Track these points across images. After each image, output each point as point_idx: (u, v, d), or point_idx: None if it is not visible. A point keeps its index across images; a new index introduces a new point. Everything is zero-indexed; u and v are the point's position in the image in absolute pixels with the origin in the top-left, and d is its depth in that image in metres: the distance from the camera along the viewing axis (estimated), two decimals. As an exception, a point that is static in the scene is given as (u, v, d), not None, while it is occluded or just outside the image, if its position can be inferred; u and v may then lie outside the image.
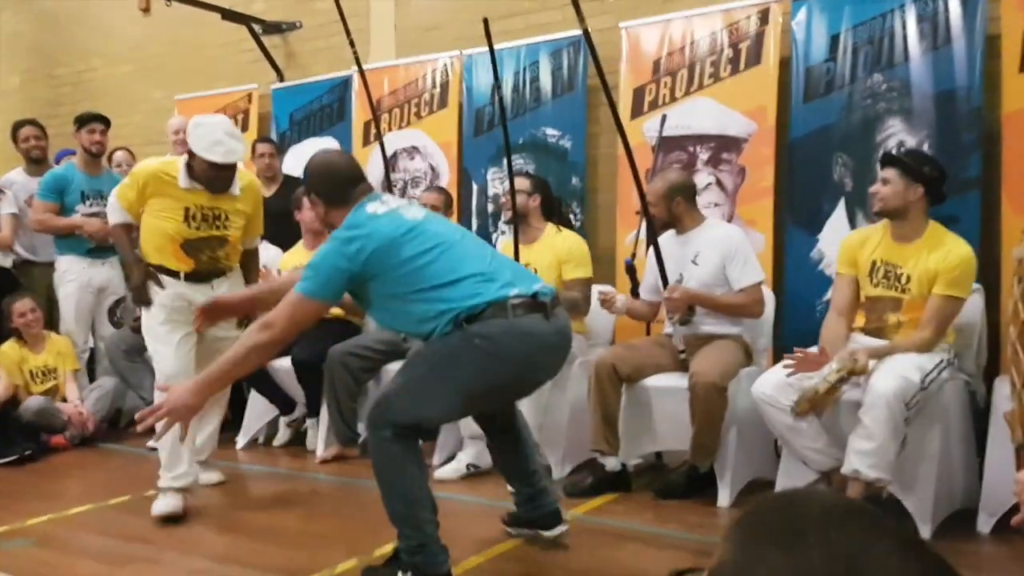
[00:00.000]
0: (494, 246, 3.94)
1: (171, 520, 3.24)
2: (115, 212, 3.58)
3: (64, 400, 4.67)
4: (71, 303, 4.89)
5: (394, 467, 2.51)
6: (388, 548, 2.89)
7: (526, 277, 2.71)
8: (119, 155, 5.60)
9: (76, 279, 4.92)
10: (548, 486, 2.97)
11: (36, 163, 5.30)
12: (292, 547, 3.02)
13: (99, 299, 5.03)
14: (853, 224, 3.94)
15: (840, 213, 4.02)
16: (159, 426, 2.51)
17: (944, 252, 3.05)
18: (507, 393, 2.74)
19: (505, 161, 3.97)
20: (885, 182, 3.13)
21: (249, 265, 3.78)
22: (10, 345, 4.65)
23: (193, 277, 3.49)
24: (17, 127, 5.38)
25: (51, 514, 3.35)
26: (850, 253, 3.28)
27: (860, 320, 3.27)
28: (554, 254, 3.94)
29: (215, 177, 3.39)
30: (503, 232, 4.75)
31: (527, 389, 2.82)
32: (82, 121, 4.95)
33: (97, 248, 4.95)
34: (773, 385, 3.09)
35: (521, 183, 4.01)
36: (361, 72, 4.67)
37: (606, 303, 3.75)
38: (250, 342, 2.55)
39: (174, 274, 3.47)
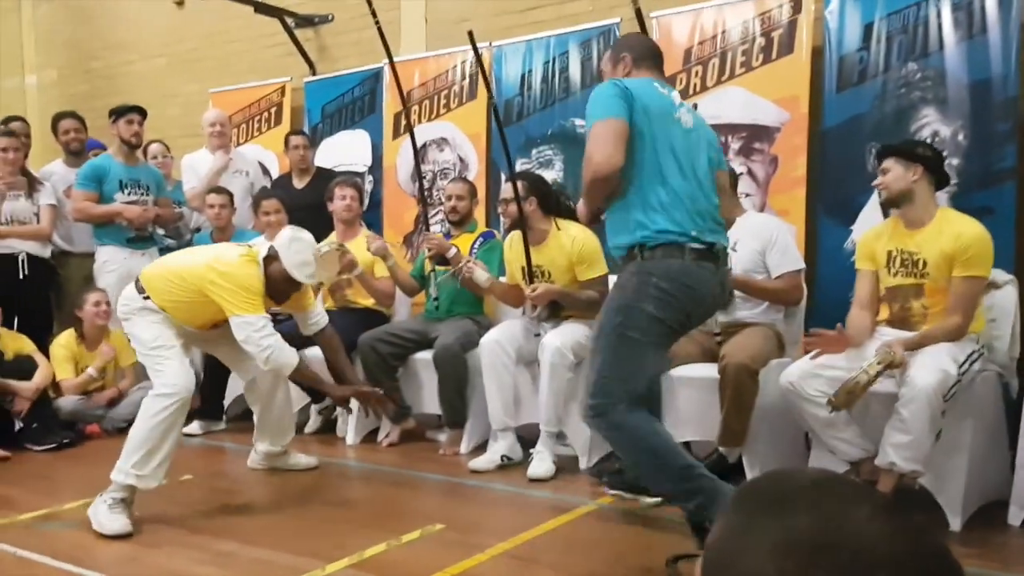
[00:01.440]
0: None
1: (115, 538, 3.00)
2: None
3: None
4: (111, 294, 4.97)
5: (646, 439, 2.50)
6: (415, 534, 2.93)
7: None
8: (154, 147, 5.68)
9: (116, 269, 4.99)
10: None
11: (75, 155, 5.40)
12: (322, 531, 3.06)
13: (139, 290, 5.11)
14: (886, 215, 3.89)
15: (873, 204, 3.96)
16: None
17: (955, 234, 3.05)
18: (684, 329, 2.72)
19: (507, 161, 4.01)
20: (884, 172, 3.20)
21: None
22: (68, 338, 4.73)
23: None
24: (57, 119, 5.48)
25: (87, 498, 3.41)
26: (867, 248, 3.33)
27: (884, 312, 3.27)
28: (566, 257, 3.90)
29: (286, 292, 3.43)
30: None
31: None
32: (119, 112, 5.03)
33: (137, 238, 5.04)
34: (800, 374, 3.08)
35: (507, 190, 3.98)
36: (392, 65, 4.69)
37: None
38: (586, 177, 2.54)
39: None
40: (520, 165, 4.91)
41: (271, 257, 3.35)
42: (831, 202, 4.11)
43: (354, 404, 4.34)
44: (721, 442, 3.39)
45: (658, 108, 2.58)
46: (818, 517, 0.63)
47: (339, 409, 4.53)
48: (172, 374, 3.20)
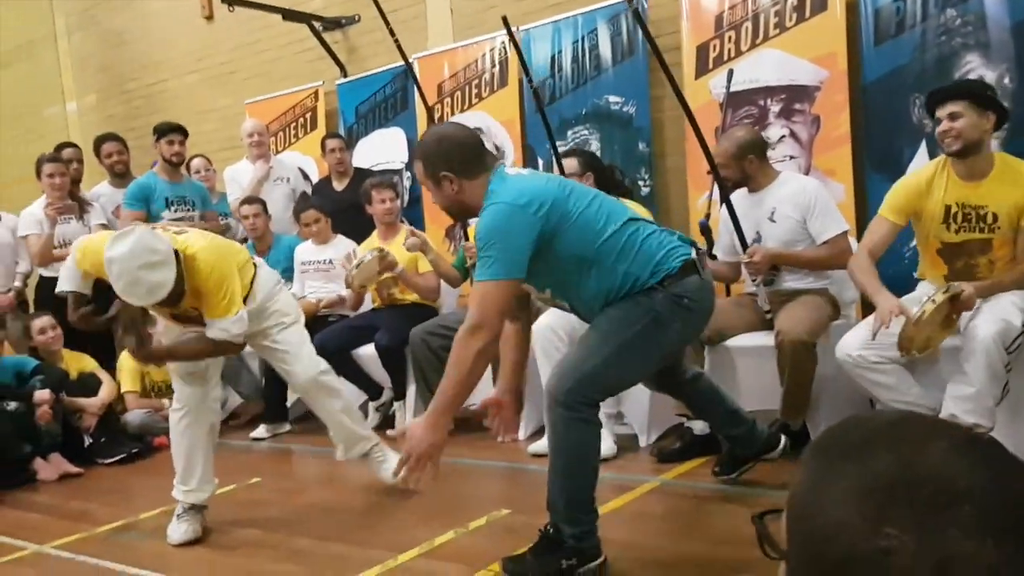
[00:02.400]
0: None
1: (189, 544, 3.08)
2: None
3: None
4: (165, 306, 5.07)
5: (587, 452, 2.41)
6: (482, 521, 2.94)
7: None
8: (196, 162, 5.78)
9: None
10: (753, 418, 2.97)
11: (120, 176, 5.51)
12: (391, 523, 3.10)
13: (190, 302, 5.20)
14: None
15: (922, 155, 3.88)
16: (406, 473, 2.34)
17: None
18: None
19: (550, 144, 3.99)
20: (955, 116, 2.88)
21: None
22: None
23: None
24: (99, 143, 5.60)
25: (161, 507, 3.50)
26: (906, 200, 3.07)
27: (941, 268, 3.13)
28: None
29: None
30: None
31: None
32: (161, 132, 5.13)
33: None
34: (858, 344, 3.00)
35: (570, 165, 3.94)
36: (407, 64, 4.70)
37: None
38: (470, 352, 2.29)
39: None
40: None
41: None
42: (878, 158, 4.03)
43: (410, 397, 4.40)
44: (784, 414, 3.35)
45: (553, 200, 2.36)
46: (896, 456, 0.62)
47: (395, 404, 4.57)
48: (178, 387, 3.22)
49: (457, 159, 2.43)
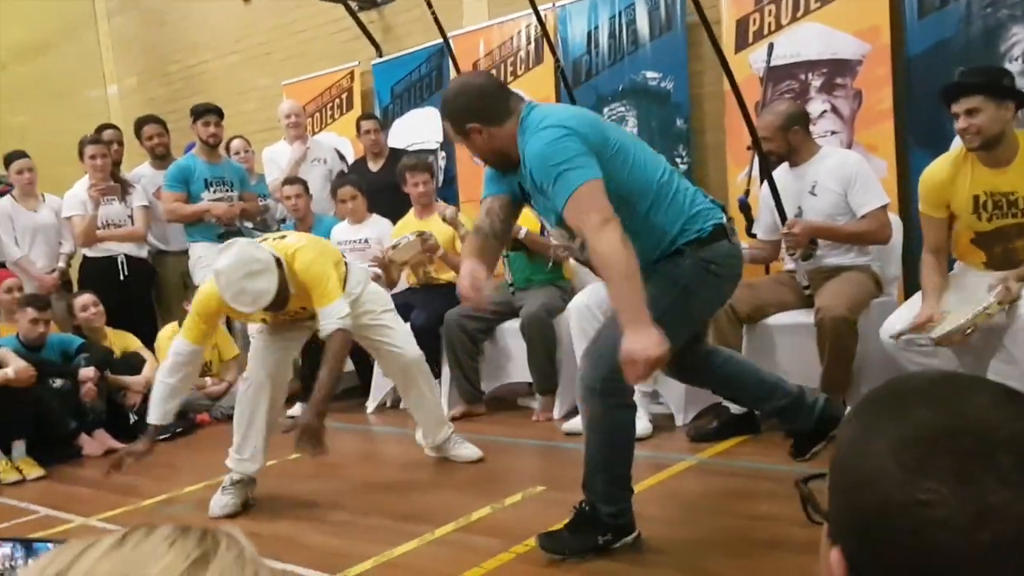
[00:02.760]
0: None
1: (230, 517, 3.14)
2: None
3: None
4: (207, 287, 5.13)
5: (625, 435, 2.40)
6: (518, 497, 2.96)
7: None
8: (236, 143, 5.83)
9: (210, 265, 5.13)
10: (797, 386, 2.66)
11: (160, 159, 5.58)
12: (428, 498, 3.14)
13: (232, 282, 5.27)
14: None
15: (967, 130, 3.79)
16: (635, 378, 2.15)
17: None
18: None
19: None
20: (972, 112, 2.79)
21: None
22: (173, 330, 4.89)
23: None
24: (140, 125, 5.68)
25: (204, 481, 3.58)
26: (936, 194, 3.02)
27: (979, 256, 3.06)
28: None
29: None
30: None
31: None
32: (197, 114, 5.18)
33: (226, 233, 5.18)
34: (902, 326, 2.96)
35: None
36: (445, 40, 4.68)
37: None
38: (615, 241, 2.09)
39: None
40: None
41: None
42: (922, 132, 3.94)
43: (445, 375, 4.42)
44: (824, 391, 3.31)
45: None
46: (935, 410, 0.62)
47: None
48: (251, 360, 3.34)
49: (479, 107, 2.35)
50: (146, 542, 0.55)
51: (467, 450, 3.58)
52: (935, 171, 3.06)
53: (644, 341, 2.06)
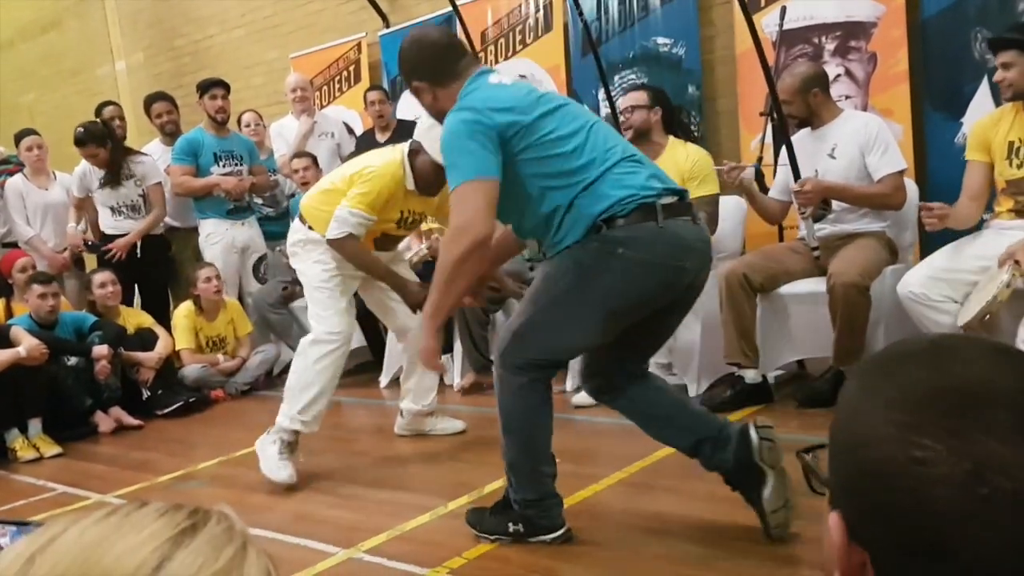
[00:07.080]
0: None
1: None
2: (356, 226, 3.17)
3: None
4: (218, 264, 5.12)
5: (527, 418, 2.26)
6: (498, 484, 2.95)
7: (664, 175, 2.28)
8: (247, 116, 5.79)
9: (220, 241, 5.17)
10: (727, 423, 2.38)
11: (170, 136, 5.53)
12: (440, 471, 3.15)
13: (243, 258, 5.28)
14: (999, 103, 3.64)
15: (984, 93, 3.72)
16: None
17: None
18: (651, 307, 2.21)
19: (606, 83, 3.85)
20: (1007, 66, 2.96)
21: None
22: (188, 308, 4.93)
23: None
24: (149, 102, 5.63)
25: (220, 457, 3.60)
26: (981, 137, 3.12)
27: (1007, 203, 3.08)
28: (677, 170, 3.72)
29: (436, 182, 3.12)
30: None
31: (675, 305, 2.28)
32: (203, 88, 5.15)
33: (236, 209, 5.18)
34: (920, 282, 2.95)
35: (638, 97, 3.83)
36: (455, 7, 4.62)
37: (734, 171, 3.54)
38: (449, 257, 2.11)
39: None
40: (603, 94, 4.80)
41: (415, 151, 3.17)
42: (938, 95, 3.87)
43: (457, 351, 4.42)
44: (837, 360, 3.28)
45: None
46: (931, 369, 0.61)
47: (442, 357, 4.56)
48: (335, 319, 3.20)
49: (427, 66, 2.25)
50: (137, 512, 0.56)
51: (450, 424, 3.66)
52: (986, 117, 3.23)
53: (419, 343, 2.35)
